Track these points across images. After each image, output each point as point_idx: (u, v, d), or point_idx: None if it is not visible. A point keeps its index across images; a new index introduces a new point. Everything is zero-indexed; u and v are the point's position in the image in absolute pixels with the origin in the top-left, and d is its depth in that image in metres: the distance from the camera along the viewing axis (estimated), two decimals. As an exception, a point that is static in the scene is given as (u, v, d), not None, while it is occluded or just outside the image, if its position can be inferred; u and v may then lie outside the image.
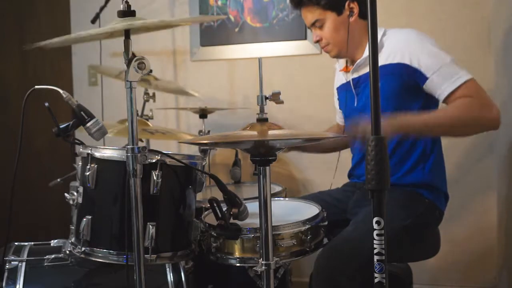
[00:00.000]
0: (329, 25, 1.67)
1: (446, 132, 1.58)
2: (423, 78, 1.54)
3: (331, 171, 1.95)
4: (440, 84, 1.51)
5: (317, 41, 1.73)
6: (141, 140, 2.13)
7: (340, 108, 1.96)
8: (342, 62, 1.86)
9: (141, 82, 2.17)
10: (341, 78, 1.85)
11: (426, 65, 1.53)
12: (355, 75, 1.73)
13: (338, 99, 1.94)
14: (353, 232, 1.52)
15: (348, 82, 1.76)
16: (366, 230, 1.29)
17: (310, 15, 1.69)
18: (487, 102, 1.50)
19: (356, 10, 1.65)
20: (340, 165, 1.94)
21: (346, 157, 1.94)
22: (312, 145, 2.00)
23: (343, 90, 1.82)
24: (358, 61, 1.69)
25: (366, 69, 1.69)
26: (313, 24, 1.70)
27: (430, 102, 1.61)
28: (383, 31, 1.64)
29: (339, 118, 2.04)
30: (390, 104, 1.58)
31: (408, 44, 1.57)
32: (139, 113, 2.32)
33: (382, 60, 1.58)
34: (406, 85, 1.58)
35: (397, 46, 1.58)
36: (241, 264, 1.42)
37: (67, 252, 1.45)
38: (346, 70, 1.78)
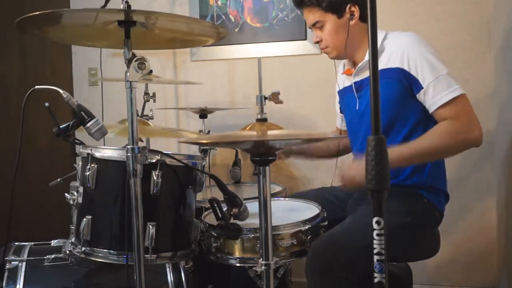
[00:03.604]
0: (329, 28, 1.67)
1: (429, 159, 1.59)
2: (418, 86, 1.55)
3: (331, 171, 1.95)
4: (433, 96, 1.52)
5: (317, 42, 1.73)
6: (141, 140, 2.13)
7: (341, 112, 1.96)
8: (344, 65, 1.85)
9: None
10: (343, 81, 1.84)
11: (423, 75, 1.53)
12: (357, 79, 1.72)
13: (339, 102, 1.93)
14: (351, 224, 1.53)
15: (350, 86, 1.76)
16: (364, 223, 1.29)
17: (311, 15, 1.69)
18: (470, 122, 1.51)
19: (357, 14, 1.65)
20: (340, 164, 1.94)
21: (346, 157, 1.94)
22: (311, 149, 1.99)
23: (345, 93, 1.82)
24: (360, 64, 1.69)
25: (369, 72, 1.68)
26: (313, 25, 1.70)
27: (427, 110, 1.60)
28: (384, 34, 1.64)
29: (339, 122, 2.03)
30: (389, 108, 1.59)
31: (408, 50, 1.56)
32: (139, 113, 2.32)
33: (383, 64, 1.58)
34: (405, 90, 1.58)
35: (397, 50, 1.58)
36: (241, 264, 1.42)
37: (67, 252, 1.45)
38: (348, 73, 1.78)
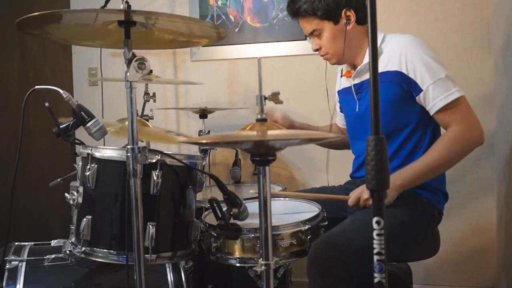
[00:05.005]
0: (327, 35, 1.67)
1: (439, 171, 1.60)
2: (417, 89, 1.55)
3: (331, 171, 1.95)
4: (433, 98, 1.53)
5: (316, 50, 1.73)
6: (141, 141, 2.13)
7: (341, 112, 1.96)
8: (344, 67, 1.85)
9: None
10: (343, 83, 1.84)
11: (422, 77, 1.54)
12: (357, 81, 1.73)
13: (340, 102, 1.94)
14: (351, 224, 1.53)
15: (350, 87, 1.76)
16: (364, 223, 1.28)
17: (307, 25, 1.69)
18: (471, 123, 1.54)
19: (353, 18, 1.64)
20: (340, 165, 1.94)
21: (346, 157, 1.94)
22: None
23: (345, 94, 1.82)
24: (359, 67, 1.69)
25: (368, 75, 1.68)
26: (311, 34, 1.71)
27: (426, 111, 1.61)
28: (383, 37, 1.64)
29: (338, 120, 2.05)
30: (389, 111, 1.59)
31: (406, 53, 1.56)
32: (139, 113, 2.32)
33: (381, 67, 1.58)
34: (404, 93, 1.58)
35: (396, 53, 1.58)
36: (241, 264, 1.42)
37: (67, 252, 1.45)
38: (348, 75, 1.78)
